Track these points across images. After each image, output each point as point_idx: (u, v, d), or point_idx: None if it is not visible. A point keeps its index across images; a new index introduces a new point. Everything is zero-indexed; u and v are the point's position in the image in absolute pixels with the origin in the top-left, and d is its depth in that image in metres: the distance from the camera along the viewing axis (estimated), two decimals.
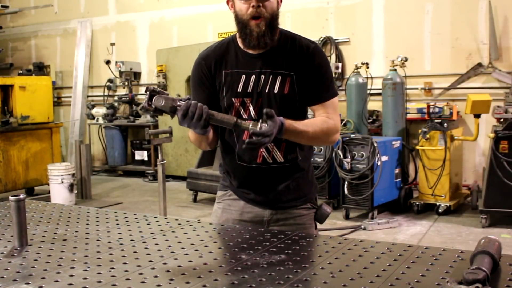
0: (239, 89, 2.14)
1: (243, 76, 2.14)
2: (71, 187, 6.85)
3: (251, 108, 2.14)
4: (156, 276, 1.53)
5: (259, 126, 1.87)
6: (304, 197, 2.25)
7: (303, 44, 2.14)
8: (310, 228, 2.23)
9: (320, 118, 2.13)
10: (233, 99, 2.14)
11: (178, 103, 1.87)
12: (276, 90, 2.11)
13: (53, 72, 10.57)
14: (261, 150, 2.14)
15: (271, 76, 2.12)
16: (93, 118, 9.70)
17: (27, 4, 11.05)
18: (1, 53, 10.75)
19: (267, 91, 2.12)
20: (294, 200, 2.23)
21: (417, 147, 6.48)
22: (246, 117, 2.14)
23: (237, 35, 2.16)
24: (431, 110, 6.72)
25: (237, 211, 2.26)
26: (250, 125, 1.88)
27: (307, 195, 2.27)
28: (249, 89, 2.13)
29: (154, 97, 1.87)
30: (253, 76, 2.13)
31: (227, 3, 2.14)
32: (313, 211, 2.26)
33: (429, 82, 7.44)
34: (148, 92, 1.89)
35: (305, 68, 2.12)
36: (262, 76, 2.12)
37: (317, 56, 2.14)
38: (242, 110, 2.15)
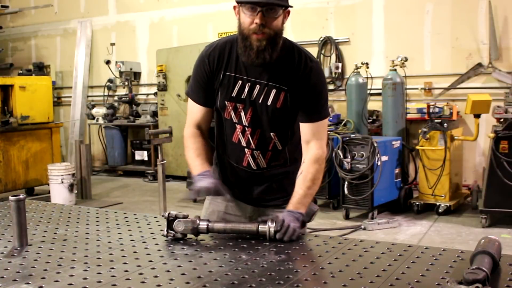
0: (234, 94, 2.15)
1: (240, 82, 2.14)
2: (71, 187, 6.85)
3: (242, 114, 2.16)
4: (156, 276, 1.53)
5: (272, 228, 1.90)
6: (287, 196, 2.22)
7: (302, 61, 2.12)
8: None
9: (308, 163, 2.12)
10: (226, 102, 2.17)
11: (198, 222, 1.93)
12: (269, 103, 2.12)
13: (53, 72, 10.56)
14: (247, 155, 2.19)
15: (266, 88, 2.12)
16: (93, 118, 9.70)
17: (27, 4, 11.04)
18: (1, 53, 10.74)
19: (260, 101, 2.13)
20: (276, 199, 2.27)
21: (417, 147, 6.47)
22: (237, 121, 2.17)
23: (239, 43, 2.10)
24: (431, 110, 6.71)
25: (223, 203, 2.32)
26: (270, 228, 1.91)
27: (291, 194, 2.23)
28: (243, 96, 2.14)
29: (174, 223, 1.92)
30: (249, 84, 2.13)
31: (234, 8, 2.08)
32: None
33: (429, 82, 7.43)
34: (166, 219, 1.92)
35: (301, 86, 2.11)
36: (257, 85, 2.13)
37: (314, 76, 2.12)
38: (234, 114, 2.17)
